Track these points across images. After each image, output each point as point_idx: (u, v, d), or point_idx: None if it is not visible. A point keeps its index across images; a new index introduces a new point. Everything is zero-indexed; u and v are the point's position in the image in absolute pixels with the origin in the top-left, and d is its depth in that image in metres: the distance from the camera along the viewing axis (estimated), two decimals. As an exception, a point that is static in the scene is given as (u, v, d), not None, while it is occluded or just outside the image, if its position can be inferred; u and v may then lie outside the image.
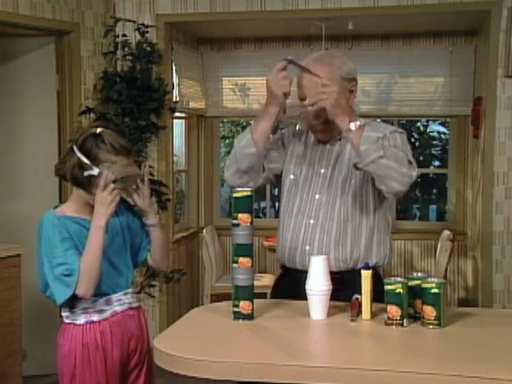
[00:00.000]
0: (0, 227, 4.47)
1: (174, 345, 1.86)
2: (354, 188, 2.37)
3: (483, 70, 4.92)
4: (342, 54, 2.46)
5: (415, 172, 2.24)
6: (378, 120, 3.77)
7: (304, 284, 2.14)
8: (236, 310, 2.09)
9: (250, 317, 2.08)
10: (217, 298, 4.79)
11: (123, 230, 2.36)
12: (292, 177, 2.48)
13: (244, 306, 2.08)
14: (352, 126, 2.19)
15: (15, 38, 4.59)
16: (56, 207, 2.37)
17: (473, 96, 5.32)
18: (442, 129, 8.40)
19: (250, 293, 2.09)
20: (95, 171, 2.19)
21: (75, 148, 2.23)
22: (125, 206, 2.41)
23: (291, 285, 2.34)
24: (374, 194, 2.38)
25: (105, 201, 2.19)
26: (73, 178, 2.24)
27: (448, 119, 6.01)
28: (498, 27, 4.56)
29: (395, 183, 2.18)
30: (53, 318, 4.63)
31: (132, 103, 4.59)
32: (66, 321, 2.27)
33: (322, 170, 2.43)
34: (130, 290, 2.35)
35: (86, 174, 2.20)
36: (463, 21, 5.11)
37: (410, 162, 2.23)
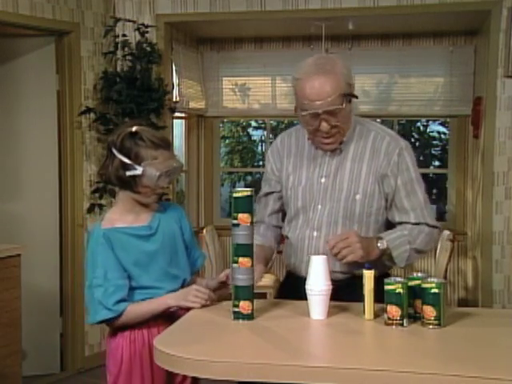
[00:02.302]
0: (0, 227, 4.48)
1: (174, 345, 1.86)
2: (360, 204, 2.32)
3: (483, 70, 4.92)
4: (338, 57, 2.36)
5: (437, 230, 2.41)
6: (379, 120, 3.76)
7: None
8: (236, 309, 2.09)
9: (250, 317, 2.08)
10: (216, 298, 4.78)
11: (176, 235, 2.36)
12: (293, 185, 2.42)
13: (244, 306, 2.08)
14: (380, 245, 2.26)
15: (15, 38, 4.59)
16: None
17: (473, 96, 5.32)
18: (442, 129, 8.40)
19: (250, 293, 2.09)
20: (139, 170, 2.19)
21: (115, 150, 2.23)
22: (181, 212, 2.44)
23: (297, 286, 2.29)
24: (378, 207, 2.35)
25: (195, 299, 2.21)
26: (118, 181, 2.24)
27: (448, 119, 6.00)
28: (498, 27, 4.56)
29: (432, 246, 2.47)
30: (53, 318, 4.64)
31: (132, 103, 4.59)
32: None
33: (323, 180, 2.37)
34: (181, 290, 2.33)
35: (128, 173, 2.20)
36: (463, 21, 5.11)
37: (434, 227, 2.40)
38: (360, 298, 2.10)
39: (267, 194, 2.53)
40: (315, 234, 2.36)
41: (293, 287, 2.35)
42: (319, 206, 2.36)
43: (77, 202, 4.60)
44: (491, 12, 4.59)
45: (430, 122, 8.47)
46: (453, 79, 5.53)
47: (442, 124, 8.07)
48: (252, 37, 5.78)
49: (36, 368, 4.49)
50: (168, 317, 2.27)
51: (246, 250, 2.09)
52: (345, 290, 2.22)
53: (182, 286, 2.33)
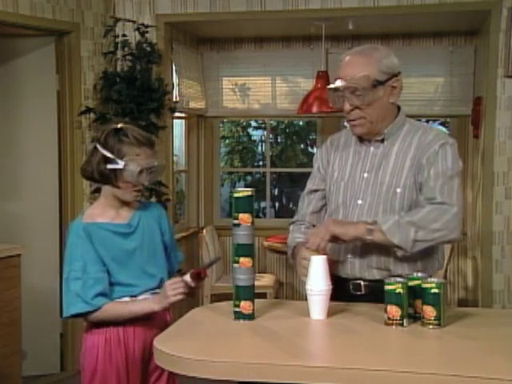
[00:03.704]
0: (0, 227, 4.48)
1: (174, 345, 1.86)
2: (399, 197, 2.28)
3: (483, 70, 4.92)
4: (386, 48, 2.37)
5: (455, 209, 2.19)
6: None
7: (345, 290, 2.22)
8: (237, 309, 2.09)
9: (250, 317, 2.08)
10: (217, 297, 4.79)
11: (155, 234, 2.38)
12: (336, 180, 2.40)
13: (245, 306, 2.08)
14: (369, 226, 2.17)
15: (15, 38, 4.59)
16: (89, 206, 2.41)
17: (473, 96, 5.32)
18: (442, 129, 8.39)
19: (250, 293, 2.09)
20: (120, 164, 2.22)
21: (99, 146, 2.26)
22: (162, 212, 2.45)
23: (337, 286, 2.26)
24: (418, 200, 2.28)
25: (173, 292, 2.19)
26: (100, 175, 2.27)
27: (448, 119, 6.01)
28: (498, 27, 4.56)
29: (448, 237, 2.21)
30: (53, 318, 4.64)
31: (132, 103, 4.59)
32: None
33: (366, 174, 2.34)
34: (159, 291, 2.34)
35: (110, 166, 2.23)
36: (463, 21, 5.11)
37: (442, 203, 2.18)
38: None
39: (311, 192, 2.50)
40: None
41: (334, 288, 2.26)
42: (360, 201, 2.33)
43: (77, 202, 4.60)
44: (491, 12, 4.58)
45: (430, 122, 8.46)
46: (453, 79, 5.53)
47: (442, 124, 8.06)
48: (252, 37, 5.77)
49: (36, 368, 4.49)
50: (144, 318, 2.28)
51: (246, 250, 2.09)
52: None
53: (159, 286, 2.33)
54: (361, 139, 2.39)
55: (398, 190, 2.28)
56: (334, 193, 2.40)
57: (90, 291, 2.19)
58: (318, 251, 2.17)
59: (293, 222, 2.53)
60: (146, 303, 2.26)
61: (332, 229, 2.19)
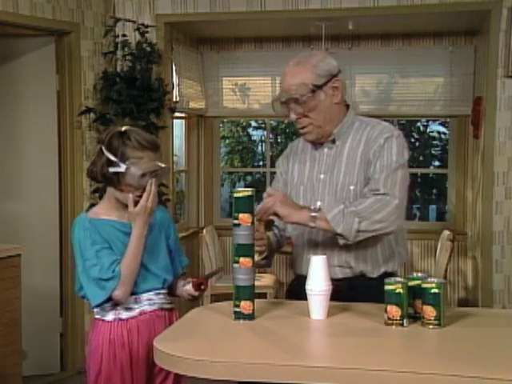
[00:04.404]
0: (0, 227, 4.48)
1: (174, 345, 1.86)
2: (353, 194, 2.32)
3: (483, 70, 4.92)
4: (322, 52, 2.43)
5: (396, 201, 2.23)
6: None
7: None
8: (237, 310, 2.09)
9: (250, 317, 2.08)
10: (217, 297, 4.79)
11: (160, 233, 2.38)
12: (296, 184, 2.45)
13: (245, 306, 2.08)
14: (313, 214, 2.20)
15: (15, 38, 4.59)
16: (90, 207, 2.41)
17: (473, 96, 5.32)
18: (442, 129, 8.40)
19: (250, 293, 2.09)
20: (122, 168, 2.23)
21: (103, 148, 2.27)
22: (167, 216, 2.46)
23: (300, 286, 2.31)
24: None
25: (145, 209, 2.22)
26: (103, 177, 2.28)
27: (448, 119, 6.00)
28: (498, 27, 4.56)
29: (389, 229, 2.25)
30: (53, 318, 4.65)
31: (132, 103, 4.59)
32: (96, 316, 2.31)
33: (322, 176, 2.39)
34: (164, 291, 2.35)
35: (111, 170, 2.23)
36: (463, 21, 5.11)
37: (385, 194, 2.22)
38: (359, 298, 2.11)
39: None
40: (314, 229, 2.35)
41: (296, 287, 2.33)
42: (319, 203, 2.36)
43: (77, 202, 4.60)
44: (491, 12, 4.59)
45: (430, 122, 8.47)
46: (453, 79, 5.53)
47: (442, 124, 8.07)
48: (252, 37, 5.77)
49: (36, 368, 4.49)
50: (148, 321, 2.29)
51: (246, 250, 2.09)
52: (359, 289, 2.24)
53: (163, 286, 2.35)
54: (314, 143, 2.44)
55: (352, 188, 2.33)
56: (294, 197, 2.42)
57: (109, 270, 2.20)
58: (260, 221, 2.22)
59: None
60: (134, 237, 2.24)
61: (276, 209, 2.22)
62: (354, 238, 2.21)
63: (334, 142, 2.40)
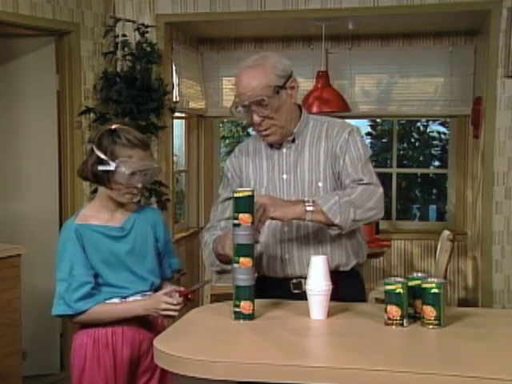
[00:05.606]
0: (0, 227, 4.48)
1: (174, 345, 1.86)
2: (322, 190, 2.32)
3: (483, 70, 4.92)
4: (275, 53, 2.39)
5: (381, 189, 2.29)
6: (379, 120, 3.74)
7: (285, 289, 2.24)
8: (237, 310, 2.09)
9: (250, 317, 2.08)
10: (217, 297, 4.79)
11: (148, 238, 2.38)
12: (254, 187, 2.36)
13: (245, 306, 2.08)
14: (308, 207, 2.17)
15: (15, 38, 4.59)
16: (83, 207, 2.41)
17: (473, 96, 5.32)
18: (442, 129, 8.39)
19: (250, 293, 2.09)
20: (112, 166, 2.23)
21: (93, 146, 2.27)
22: (158, 217, 2.45)
23: (277, 292, 2.33)
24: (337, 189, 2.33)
25: (164, 306, 2.23)
26: (93, 176, 2.28)
27: (448, 119, 6.01)
28: (498, 27, 4.56)
29: (378, 216, 2.29)
30: (53, 318, 4.63)
31: (132, 103, 4.59)
32: None
33: (285, 176, 2.38)
34: (150, 294, 2.35)
35: (102, 168, 2.23)
36: (463, 21, 5.11)
37: (370, 183, 2.27)
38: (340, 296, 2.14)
39: (225, 200, 2.47)
40: (285, 229, 2.35)
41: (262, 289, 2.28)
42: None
43: (77, 202, 4.59)
44: (491, 12, 4.59)
45: (430, 122, 8.46)
46: (453, 79, 5.53)
47: (442, 124, 8.06)
48: (252, 37, 5.77)
49: (36, 368, 4.49)
50: (133, 319, 2.29)
51: (246, 250, 2.09)
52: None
53: (151, 289, 2.35)
54: (270, 144, 2.41)
55: (320, 184, 2.33)
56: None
57: (74, 295, 2.21)
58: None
59: (207, 229, 2.53)
60: (131, 305, 2.27)
61: (271, 215, 2.17)
62: (349, 227, 2.22)
63: (293, 141, 2.39)
